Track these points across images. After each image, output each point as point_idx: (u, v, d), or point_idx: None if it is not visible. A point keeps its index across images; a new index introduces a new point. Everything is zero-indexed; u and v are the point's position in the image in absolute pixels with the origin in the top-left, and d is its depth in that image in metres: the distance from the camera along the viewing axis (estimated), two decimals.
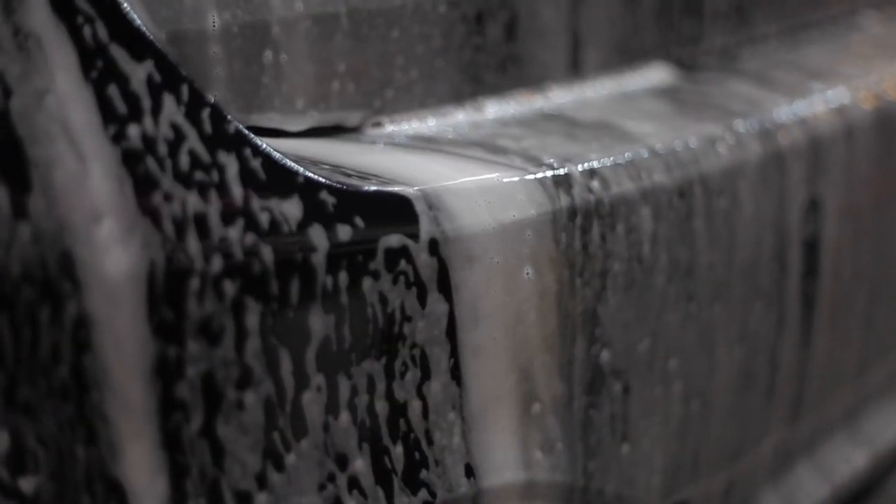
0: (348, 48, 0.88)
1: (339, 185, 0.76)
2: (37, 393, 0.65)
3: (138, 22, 0.69)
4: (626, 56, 1.11)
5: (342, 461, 0.77)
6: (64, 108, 0.66)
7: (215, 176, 0.70)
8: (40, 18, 0.66)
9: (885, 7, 1.52)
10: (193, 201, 0.69)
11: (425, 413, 0.80)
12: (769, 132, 1.07)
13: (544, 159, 0.88)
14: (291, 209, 0.73)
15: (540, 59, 1.02)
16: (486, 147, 0.90)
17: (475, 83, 0.97)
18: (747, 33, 1.27)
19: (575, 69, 1.06)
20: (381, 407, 0.78)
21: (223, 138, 0.71)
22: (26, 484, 0.66)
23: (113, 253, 0.66)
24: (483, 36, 0.97)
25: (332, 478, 0.76)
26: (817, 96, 1.17)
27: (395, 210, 0.78)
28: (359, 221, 0.76)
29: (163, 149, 0.69)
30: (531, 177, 0.86)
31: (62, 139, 0.65)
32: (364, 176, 0.79)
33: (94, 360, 0.66)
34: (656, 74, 1.15)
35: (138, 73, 0.68)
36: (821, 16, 1.41)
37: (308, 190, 0.74)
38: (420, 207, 0.79)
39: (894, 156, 1.28)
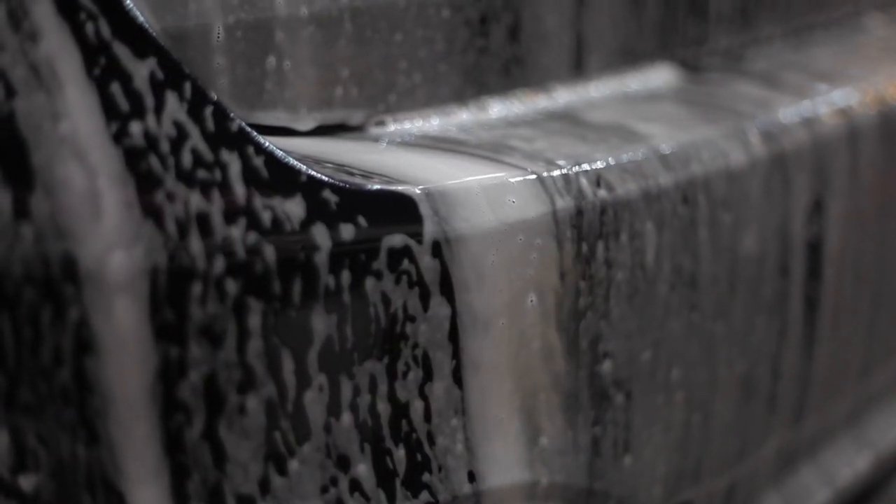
0: (352, 51, 0.88)
1: (342, 184, 0.75)
2: (37, 395, 0.65)
3: (141, 19, 0.68)
4: (631, 57, 1.11)
5: (344, 463, 0.76)
6: (67, 108, 0.65)
7: (218, 174, 0.70)
8: (44, 15, 0.65)
9: (890, 9, 1.52)
10: (196, 200, 0.69)
11: (428, 415, 0.80)
12: (776, 133, 1.07)
13: (551, 160, 0.88)
14: (294, 208, 0.72)
15: (544, 61, 1.01)
16: (491, 147, 0.89)
17: (479, 85, 0.97)
18: (752, 35, 1.27)
19: (579, 70, 1.05)
20: (384, 408, 0.78)
21: (226, 136, 0.71)
22: (26, 482, 0.65)
23: (115, 254, 0.66)
24: (486, 38, 0.97)
25: (334, 481, 0.76)
26: (824, 98, 1.17)
27: (398, 209, 0.78)
28: (362, 221, 0.75)
29: (165, 147, 0.68)
30: (537, 177, 0.85)
31: (64, 139, 0.65)
32: (368, 175, 0.79)
33: (96, 363, 0.66)
34: (661, 75, 1.14)
35: (141, 71, 0.68)
36: (825, 18, 1.40)
37: (311, 188, 0.74)
38: (424, 207, 0.78)
39: None
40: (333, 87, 0.87)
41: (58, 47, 0.65)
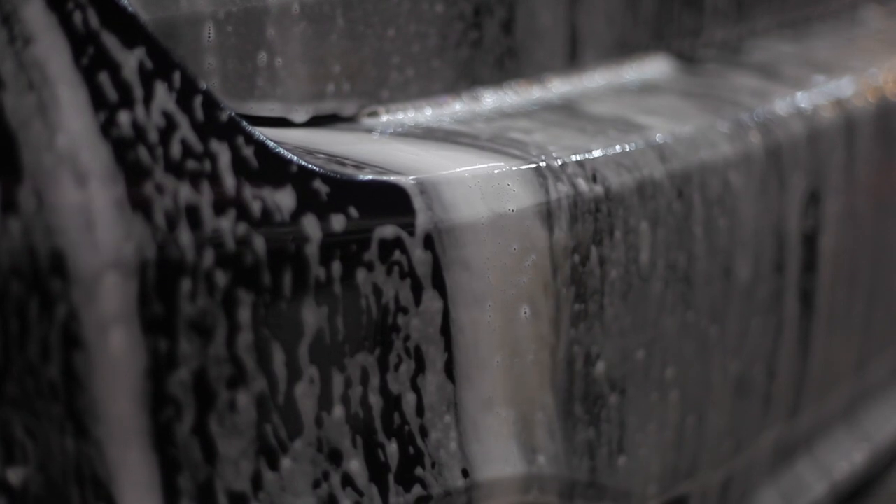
0: (346, 44, 0.88)
1: (333, 174, 0.75)
2: (25, 389, 0.65)
3: (130, 8, 0.68)
4: (627, 49, 1.11)
5: (336, 458, 0.76)
6: (56, 101, 0.65)
7: (207, 165, 0.69)
8: (34, 9, 0.65)
9: (887, 1, 1.52)
10: (185, 192, 0.68)
11: (420, 408, 0.80)
12: (772, 124, 1.06)
13: (549, 152, 0.87)
14: (284, 198, 0.72)
15: (539, 53, 1.01)
16: (486, 138, 0.89)
17: (473, 78, 0.96)
18: (748, 27, 1.26)
19: (574, 62, 1.05)
20: (376, 401, 0.77)
21: (215, 126, 0.70)
22: (14, 476, 0.65)
23: (103, 248, 0.65)
24: (480, 32, 0.96)
25: (326, 475, 0.75)
26: (821, 89, 1.16)
27: (390, 200, 0.77)
28: (353, 211, 0.75)
29: (154, 138, 0.68)
30: (533, 168, 0.85)
31: (54, 131, 0.65)
32: (360, 165, 0.78)
33: (84, 358, 0.65)
34: (657, 67, 1.14)
35: (130, 61, 0.67)
36: (822, 10, 1.40)
37: (302, 179, 0.73)
38: (416, 197, 0.78)
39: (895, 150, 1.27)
40: (326, 81, 0.87)
41: (47, 41, 0.65)
